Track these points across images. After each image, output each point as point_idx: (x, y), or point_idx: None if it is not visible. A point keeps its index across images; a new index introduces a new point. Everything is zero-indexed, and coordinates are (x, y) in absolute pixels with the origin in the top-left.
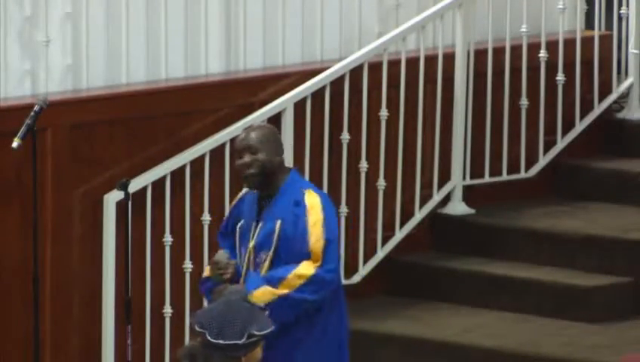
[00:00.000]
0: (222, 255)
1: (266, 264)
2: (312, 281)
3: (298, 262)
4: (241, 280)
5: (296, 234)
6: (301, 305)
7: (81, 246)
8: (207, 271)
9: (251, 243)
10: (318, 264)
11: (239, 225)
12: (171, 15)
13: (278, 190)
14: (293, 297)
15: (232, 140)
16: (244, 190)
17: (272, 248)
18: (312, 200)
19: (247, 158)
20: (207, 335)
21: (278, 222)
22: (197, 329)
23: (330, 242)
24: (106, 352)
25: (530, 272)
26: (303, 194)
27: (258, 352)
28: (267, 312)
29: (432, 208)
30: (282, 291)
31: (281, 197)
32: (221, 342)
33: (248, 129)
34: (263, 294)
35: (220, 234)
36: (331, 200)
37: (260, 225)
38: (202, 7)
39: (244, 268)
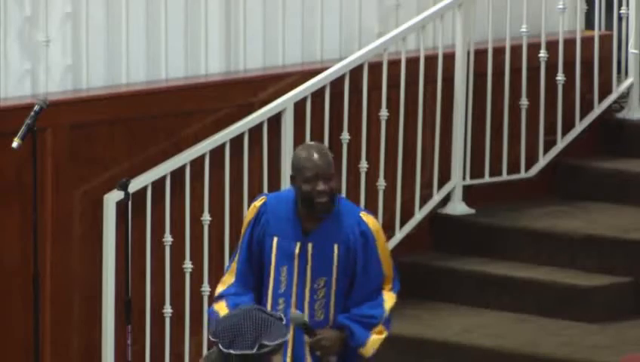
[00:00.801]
0: (298, 317)
1: (327, 292)
2: (395, 304)
3: (366, 288)
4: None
5: (368, 263)
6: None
7: (81, 246)
8: (220, 309)
9: (308, 268)
10: (391, 286)
11: (275, 241)
12: (171, 15)
13: (333, 210)
14: (390, 329)
15: (232, 140)
16: (260, 199)
17: (333, 275)
18: (375, 225)
19: (322, 186)
20: (220, 345)
21: (336, 247)
22: (211, 338)
23: (392, 261)
24: (106, 352)
25: (530, 272)
26: (364, 219)
27: (276, 359)
28: (284, 322)
29: (432, 208)
30: (384, 334)
31: (337, 220)
32: (232, 352)
33: (315, 150)
34: (372, 344)
35: (244, 246)
36: None
37: (311, 246)
38: (202, 7)
39: (306, 296)
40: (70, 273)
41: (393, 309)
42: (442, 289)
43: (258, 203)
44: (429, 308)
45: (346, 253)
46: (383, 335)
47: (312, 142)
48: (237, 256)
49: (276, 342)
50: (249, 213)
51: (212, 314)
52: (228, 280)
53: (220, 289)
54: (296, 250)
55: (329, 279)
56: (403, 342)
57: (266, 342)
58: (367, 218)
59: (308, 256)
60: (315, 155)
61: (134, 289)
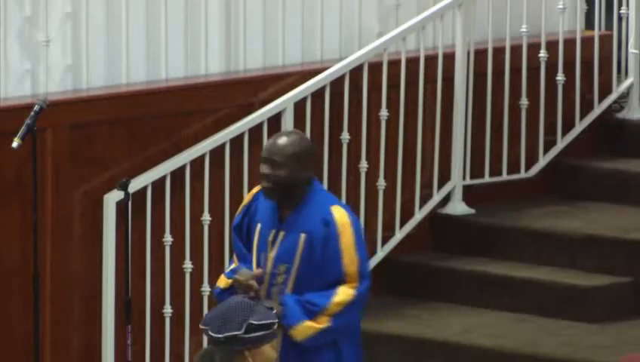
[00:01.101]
0: (244, 274)
1: (286, 278)
2: (352, 303)
3: (323, 280)
4: (264, 293)
5: (326, 255)
6: (340, 330)
7: (81, 246)
8: (224, 283)
9: (272, 254)
10: (356, 285)
11: (258, 227)
12: (171, 15)
13: (302, 200)
14: (333, 327)
15: (232, 140)
16: (257, 186)
17: (295, 263)
18: (342, 219)
19: (265, 170)
20: (210, 331)
21: (302, 236)
22: (201, 326)
23: (362, 260)
24: (106, 352)
25: (530, 272)
26: (331, 212)
27: (268, 351)
28: (275, 311)
29: (431, 208)
30: (323, 325)
31: (305, 210)
32: (221, 335)
33: (279, 137)
34: (304, 330)
35: (235, 229)
36: (353, 211)
37: (282, 235)
38: (202, 7)
39: (267, 278)
40: (70, 273)
41: (348, 306)
42: (442, 289)
43: (255, 190)
44: (429, 308)
45: (310, 243)
46: (322, 326)
47: (291, 130)
48: (233, 244)
49: (264, 322)
50: (246, 198)
51: (214, 291)
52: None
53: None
54: (270, 237)
55: (290, 267)
56: (403, 342)
57: (254, 322)
58: (335, 210)
59: (277, 243)
60: (275, 140)
61: (134, 289)
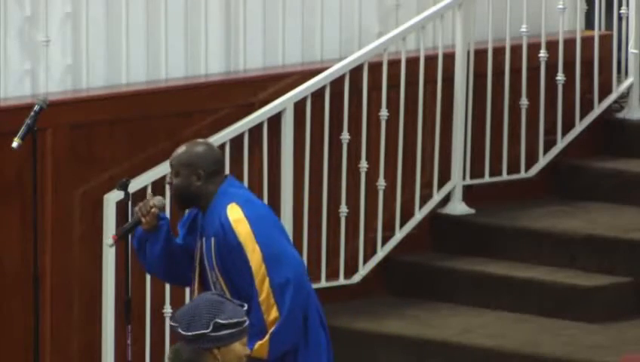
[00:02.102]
0: (157, 200)
1: (219, 285)
2: (275, 341)
3: (245, 280)
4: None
5: (233, 255)
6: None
7: (81, 246)
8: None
9: (197, 262)
10: (271, 317)
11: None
12: (171, 15)
13: (208, 205)
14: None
15: (232, 140)
16: None
17: (215, 268)
18: (235, 215)
19: (168, 177)
20: (179, 329)
21: (213, 240)
22: (171, 323)
23: (268, 246)
24: (106, 352)
25: (530, 272)
26: (226, 211)
27: (238, 349)
28: (245, 308)
29: (431, 208)
30: (262, 354)
31: (210, 215)
32: (189, 333)
33: (186, 144)
34: (259, 350)
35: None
36: (264, 207)
37: (201, 242)
38: (202, 7)
39: (195, 284)
40: (70, 273)
41: (272, 341)
42: (442, 289)
43: None
44: (429, 308)
45: (218, 247)
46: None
47: (198, 139)
48: None
49: (231, 321)
50: None
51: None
52: None
53: None
54: (197, 244)
55: (214, 273)
56: (403, 342)
57: (221, 321)
58: (230, 209)
59: (201, 252)
60: (177, 150)
61: (134, 289)
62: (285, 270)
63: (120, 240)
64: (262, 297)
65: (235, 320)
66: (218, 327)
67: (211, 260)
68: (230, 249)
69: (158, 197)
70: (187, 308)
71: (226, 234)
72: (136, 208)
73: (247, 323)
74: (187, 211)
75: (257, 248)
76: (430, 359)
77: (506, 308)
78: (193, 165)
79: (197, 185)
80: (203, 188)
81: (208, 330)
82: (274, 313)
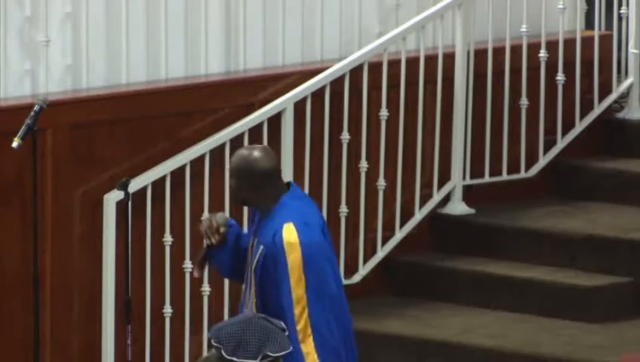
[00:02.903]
0: (221, 217)
1: (250, 288)
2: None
3: (278, 302)
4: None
5: (277, 274)
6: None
7: (81, 246)
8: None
9: (253, 264)
10: (308, 348)
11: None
12: (171, 15)
13: (268, 211)
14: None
15: (232, 140)
16: None
17: (252, 273)
18: (290, 237)
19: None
20: (223, 352)
21: (261, 248)
22: (214, 343)
23: (313, 280)
24: (106, 352)
25: (530, 272)
26: (282, 229)
27: None
28: (287, 333)
29: (431, 208)
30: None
31: (267, 223)
32: (235, 359)
33: (245, 147)
34: None
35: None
36: (319, 231)
37: (255, 243)
38: (202, 7)
39: (251, 290)
40: (70, 273)
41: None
42: (442, 289)
43: None
44: (429, 308)
45: (265, 258)
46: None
47: (257, 145)
48: None
49: (279, 354)
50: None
51: None
52: None
53: None
54: (251, 242)
55: (249, 276)
56: (403, 342)
57: (270, 353)
58: (286, 228)
59: (254, 253)
60: (239, 150)
61: (134, 289)
62: (325, 307)
63: (201, 270)
64: (299, 326)
65: (283, 353)
66: (265, 357)
67: (254, 264)
68: (276, 267)
69: (221, 215)
70: (233, 329)
71: (277, 253)
72: (203, 231)
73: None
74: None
75: (303, 278)
76: (430, 359)
77: (506, 308)
78: (246, 171)
79: (250, 190)
80: (260, 195)
81: (257, 361)
82: (310, 344)
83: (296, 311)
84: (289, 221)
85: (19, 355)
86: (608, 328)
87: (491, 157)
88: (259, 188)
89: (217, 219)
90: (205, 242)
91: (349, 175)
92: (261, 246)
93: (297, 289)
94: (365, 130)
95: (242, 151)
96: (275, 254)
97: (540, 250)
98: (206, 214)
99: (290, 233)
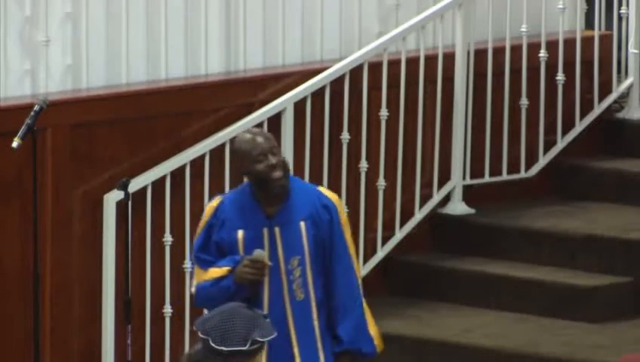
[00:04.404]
0: (261, 254)
1: (302, 269)
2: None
3: (336, 265)
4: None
5: (333, 237)
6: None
7: (81, 246)
8: (220, 272)
9: (279, 250)
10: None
11: (240, 234)
12: (171, 15)
13: (288, 191)
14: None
15: (232, 140)
16: (216, 199)
17: (305, 253)
18: (335, 197)
19: (273, 160)
20: (211, 342)
21: (302, 224)
22: (200, 335)
23: None
24: (106, 352)
25: (530, 272)
26: (323, 193)
27: (259, 360)
28: (268, 319)
29: (432, 208)
30: (375, 329)
31: (297, 198)
32: (224, 348)
33: (251, 132)
34: (379, 344)
35: (200, 251)
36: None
37: (278, 229)
38: (202, 7)
39: (284, 279)
40: (70, 273)
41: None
42: (442, 289)
43: (214, 203)
44: (429, 308)
45: (314, 227)
46: (376, 330)
47: (247, 129)
48: (197, 259)
49: (267, 338)
50: (205, 215)
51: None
52: (199, 275)
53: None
54: (266, 237)
55: (302, 258)
56: (403, 341)
57: (258, 338)
58: (326, 191)
59: (276, 240)
60: (254, 135)
61: (134, 289)
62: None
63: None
64: (360, 282)
65: (270, 337)
66: (254, 343)
67: (299, 245)
68: (331, 227)
69: (260, 252)
70: (217, 319)
71: (331, 213)
72: (249, 273)
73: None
74: (202, 232)
75: (350, 237)
76: (430, 359)
77: (506, 308)
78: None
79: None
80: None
81: (245, 347)
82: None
83: (357, 268)
84: (318, 186)
85: (19, 355)
86: (608, 328)
87: (491, 157)
88: None
89: (263, 258)
90: (252, 282)
91: (349, 175)
92: (300, 223)
93: (352, 249)
94: (365, 130)
95: (256, 131)
96: (329, 219)
97: (539, 250)
98: (257, 255)
99: (331, 193)
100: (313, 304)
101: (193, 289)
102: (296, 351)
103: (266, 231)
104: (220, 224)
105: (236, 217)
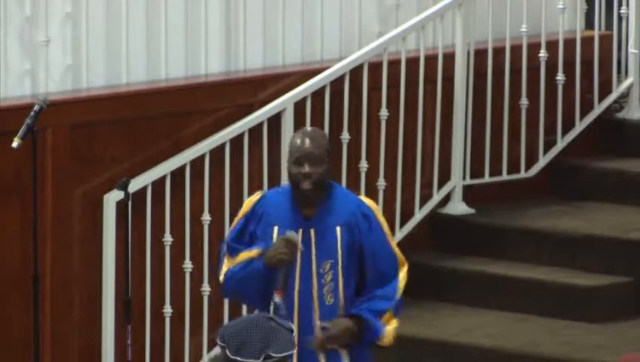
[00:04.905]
0: (294, 236)
1: (334, 273)
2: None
3: (377, 271)
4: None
5: (375, 245)
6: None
7: (81, 246)
8: (250, 254)
9: (313, 253)
10: (405, 266)
11: (276, 230)
12: (171, 15)
13: (328, 196)
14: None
15: (232, 140)
16: (256, 194)
17: (339, 257)
18: (374, 206)
19: (307, 169)
20: (227, 350)
21: (338, 229)
22: (219, 342)
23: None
24: (106, 352)
25: (530, 272)
26: (363, 201)
27: None
28: (293, 334)
29: (432, 208)
30: (394, 324)
31: (335, 204)
32: (238, 359)
33: (307, 134)
34: (389, 334)
35: (233, 240)
36: None
37: (313, 231)
38: (202, 7)
39: (314, 282)
40: (70, 273)
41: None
42: (442, 289)
43: (254, 198)
44: (429, 308)
45: (349, 234)
46: (395, 321)
47: (309, 127)
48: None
49: (282, 355)
50: (244, 208)
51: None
52: (228, 262)
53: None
54: (300, 236)
55: (335, 262)
56: (403, 341)
57: (272, 354)
58: (366, 200)
59: (311, 242)
60: (305, 139)
61: (134, 289)
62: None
63: (284, 290)
64: (401, 285)
65: (285, 354)
66: (267, 358)
67: (334, 250)
68: (373, 238)
69: (292, 233)
70: (238, 329)
71: (371, 224)
72: (280, 252)
73: (293, 355)
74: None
75: (394, 241)
76: (430, 359)
77: (506, 308)
78: (329, 150)
79: (328, 174)
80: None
81: (258, 361)
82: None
83: (401, 271)
84: (358, 195)
85: (19, 355)
86: (608, 328)
87: (491, 157)
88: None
89: (295, 240)
90: (286, 264)
91: (348, 175)
92: (336, 228)
93: (398, 251)
94: (365, 130)
95: (312, 135)
96: (368, 227)
97: (539, 250)
98: (290, 236)
99: (371, 202)
100: (341, 311)
101: (221, 278)
102: (321, 355)
103: (301, 231)
104: (258, 218)
105: (274, 213)
